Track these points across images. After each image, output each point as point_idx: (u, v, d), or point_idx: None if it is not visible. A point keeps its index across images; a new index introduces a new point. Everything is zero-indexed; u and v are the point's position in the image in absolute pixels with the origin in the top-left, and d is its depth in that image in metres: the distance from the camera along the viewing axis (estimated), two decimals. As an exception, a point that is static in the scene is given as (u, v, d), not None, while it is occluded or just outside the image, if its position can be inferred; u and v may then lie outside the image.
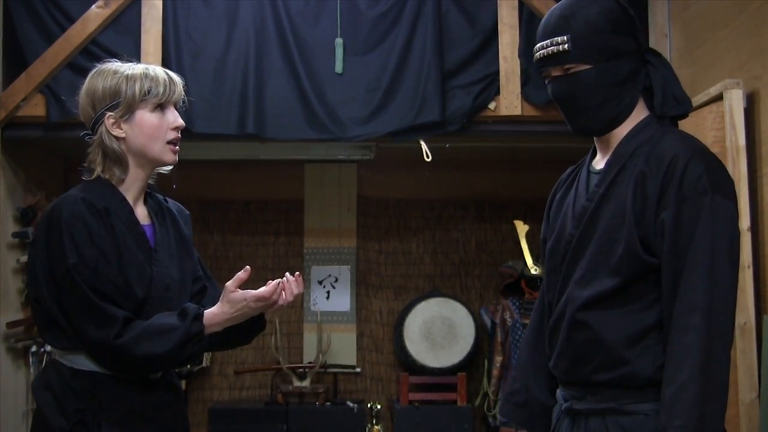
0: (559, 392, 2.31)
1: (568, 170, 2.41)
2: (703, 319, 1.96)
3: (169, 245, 2.50)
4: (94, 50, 4.77)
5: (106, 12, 4.78)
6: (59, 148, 5.87)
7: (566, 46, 2.14)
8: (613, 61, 2.14)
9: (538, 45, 2.20)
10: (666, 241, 2.03)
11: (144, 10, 4.82)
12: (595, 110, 2.17)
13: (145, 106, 2.41)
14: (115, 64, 2.46)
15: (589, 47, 2.13)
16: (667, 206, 2.03)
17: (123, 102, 2.40)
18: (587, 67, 2.14)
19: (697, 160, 2.03)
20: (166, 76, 2.45)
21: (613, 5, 2.17)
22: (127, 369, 2.35)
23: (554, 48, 2.16)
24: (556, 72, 2.19)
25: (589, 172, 2.27)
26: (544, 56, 2.19)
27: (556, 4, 2.23)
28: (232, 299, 2.35)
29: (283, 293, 2.43)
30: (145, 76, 2.42)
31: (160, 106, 2.44)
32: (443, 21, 4.86)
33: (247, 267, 2.40)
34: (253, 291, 2.37)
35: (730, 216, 2.03)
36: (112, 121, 2.41)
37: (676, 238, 2.01)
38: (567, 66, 2.16)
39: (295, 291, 2.45)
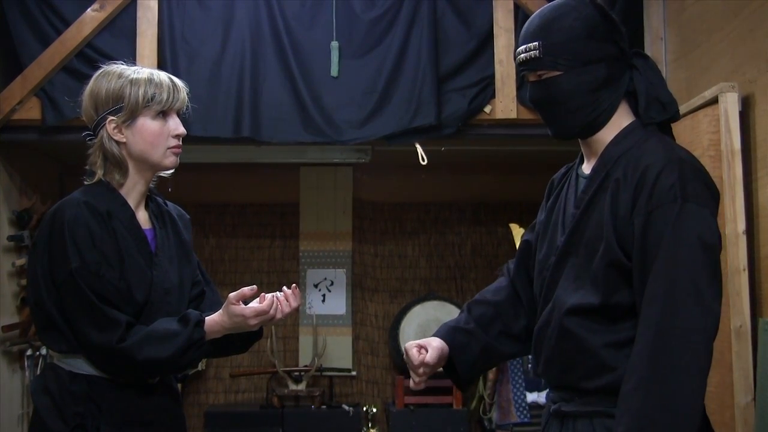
0: (547, 394, 2.32)
1: (563, 169, 2.42)
2: (653, 330, 1.95)
3: (169, 250, 2.50)
4: (90, 53, 4.76)
5: (102, 15, 4.77)
6: (55, 152, 5.87)
7: (537, 52, 2.15)
8: (587, 67, 2.14)
9: (517, 50, 2.23)
10: (635, 250, 2.03)
11: (139, 13, 4.81)
12: (571, 115, 2.18)
13: (148, 112, 2.41)
14: (120, 67, 2.46)
15: (560, 54, 2.13)
16: (638, 215, 2.03)
17: (126, 107, 2.39)
18: (558, 73, 2.15)
19: (670, 170, 2.02)
20: (170, 83, 2.44)
21: (591, 12, 2.16)
22: (127, 373, 2.35)
23: (527, 54, 2.18)
24: (531, 77, 2.22)
25: (577, 176, 2.28)
26: (520, 61, 2.22)
27: (538, 11, 2.24)
28: (231, 312, 2.35)
29: (280, 306, 2.42)
30: (150, 81, 2.41)
31: (163, 113, 2.43)
32: (439, 24, 4.86)
33: (254, 286, 2.39)
34: (252, 306, 2.37)
35: (701, 223, 1.99)
36: (113, 125, 2.40)
37: (643, 247, 2.01)
38: (540, 72, 2.18)
39: (293, 304, 2.45)
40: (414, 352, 2.33)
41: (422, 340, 2.38)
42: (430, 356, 2.33)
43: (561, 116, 2.20)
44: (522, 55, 2.19)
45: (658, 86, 2.18)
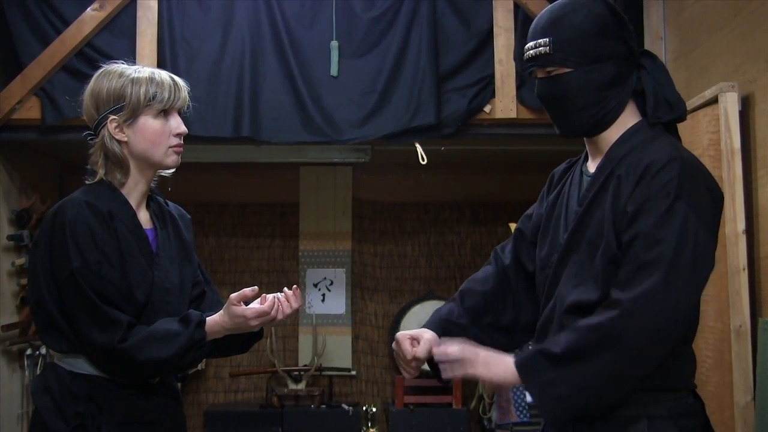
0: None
1: (564, 164, 2.42)
2: (609, 309, 1.98)
3: (171, 250, 2.50)
4: (90, 53, 4.77)
5: (102, 14, 4.77)
6: (54, 151, 5.87)
7: (547, 48, 2.15)
8: (597, 64, 2.14)
9: (526, 46, 2.22)
10: (623, 238, 2.04)
11: (139, 13, 4.82)
12: (579, 112, 2.18)
13: (149, 111, 2.41)
14: (121, 66, 2.45)
15: (571, 50, 2.14)
16: (631, 205, 2.04)
17: (127, 106, 2.39)
18: (568, 70, 2.15)
19: (671, 167, 2.02)
20: (171, 82, 2.44)
21: (602, 10, 2.17)
22: (128, 373, 2.35)
23: (537, 50, 2.17)
24: (540, 74, 2.21)
25: (581, 174, 2.28)
26: (528, 58, 2.21)
27: (547, 7, 2.24)
28: (232, 312, 2.34)
29: (281, 307, 2.42)
30: (151, 80, 2.41)
31: (164, 112, 2.43)
32: (438, 24, 4.86)
33: (255, 287, 2.38)
34: (253, 307, 2.36)
35: (686, 224, 1.98)
36: (114, 124, 2.40)
37: (628, 233, 2.02)
38: (549, 68, 2.18)
39: (294, 305, 2.45)
40: (407, 346, 2.28)
41: (414, 331, 2.32)
42: (421, 350, 2.27)
43: (569, 113, 2.19)
44: (531, 51, 2.19)
45: (666, 86, 2.19)
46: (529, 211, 2.49)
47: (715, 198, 2.08)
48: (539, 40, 2.17)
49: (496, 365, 2.11)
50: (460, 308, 2.43)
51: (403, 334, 2.30)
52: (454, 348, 2.15)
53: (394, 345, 2.32)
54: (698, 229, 1.99)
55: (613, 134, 2.19)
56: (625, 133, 2.18)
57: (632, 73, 2.19)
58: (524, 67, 2.26)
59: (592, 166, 2.25)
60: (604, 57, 2.14)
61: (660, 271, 1.95)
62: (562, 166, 2.42)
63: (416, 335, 2.30)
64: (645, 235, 1.99)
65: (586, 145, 2.30)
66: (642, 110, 2.21)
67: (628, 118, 2.20)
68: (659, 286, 1.95)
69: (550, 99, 2.21)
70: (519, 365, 2.06)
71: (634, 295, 1.96)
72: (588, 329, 1.99)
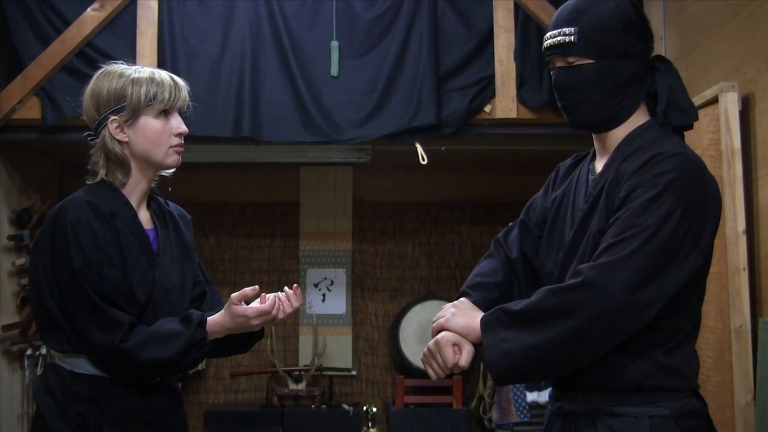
0: (550, 393, 2.31)
1: (570, 159, 2.41)
2: (574, 279, 1.99)
3: (171, 250, 2.50)
4: (90, 53, 4.77)
5: (102, 14, 4.77)
6: (54, 151, 5.87)
7: (573, 38, 2.14)
8: (618, 60, 2.14)
9: (548, 33, 2.21)
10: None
11: (139, 13, 4.82)
12: (594, 105, 2.17)
13: (150, 111, 2.41)
14: (121, 67, 2.45)
15: (595, 42, 2.13)
16: (623, 189, 2.05)
17: (128, 106, 2.39)
18: (590, 61, 2.15)
19: (671, 160, 2.03)
20: (171, 82, 2.44)
21: (628, 6, 2.17)
22: (129, 373, 2.35)
23: (561, 38, 2.16)
24: (560, 62, 2.20)
25: (588, 172, 2.28)
26: (550, 45, 2.19)
27: None
28: (233, 312, 2.34)
29: (282, 306, 2.42)
30: (151, 80, 2.41)
31: (165, 112, 2.43)
32: (439, 24, 4.87)
33: (256, 286, 2.38)
34: (254, 306, 2.36)
35: (669, 216, 1.98)
36: (115, 125, 2.40)
37: (613, 218, 2.04)
38: (571, 58, 2.17)
39: (294, 304, 2.45)
40: (450, 353, 2.15)
41: (454, 336, 2.17)
42: (464, 360, 2.16)
43: (582, 105, 2.19)
44: (556, 39, 2.17)
45: (679, 92, 2.18)
46: (531, 202, 2.48)
47: (713, 204, 2.07)
48: (564, 29, 2.16)
49: (463, 316, 2.18)
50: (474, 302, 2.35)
51: (446, 339, 2.16)
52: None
53: (432, 346, 2.18)
54: (680, 224, 1.99)
55: (622, 132, 2.19)
56: (633, 131, 2.18)
57: (648, 74, 2.19)
58: (543, 54, 2.24)
59: (599, 165, 2.24)
60: (626, 53, 2.15)
61: (627, 249, 1.96)
62: (569, 161, 2.41)
63: (458, 342, 2.17)
64: (625, 218, 2.00)
65: (594, 143, 2.29)
66: (652, 113, 2.20)
67: (639, 119, 2.20)
68: (620, 261, 1.95)
69: (568, 89, 2.20)
70: (482, 319, 2.09)
71: (595, 264, 1.97)
72: (549, 292, 2.02)
